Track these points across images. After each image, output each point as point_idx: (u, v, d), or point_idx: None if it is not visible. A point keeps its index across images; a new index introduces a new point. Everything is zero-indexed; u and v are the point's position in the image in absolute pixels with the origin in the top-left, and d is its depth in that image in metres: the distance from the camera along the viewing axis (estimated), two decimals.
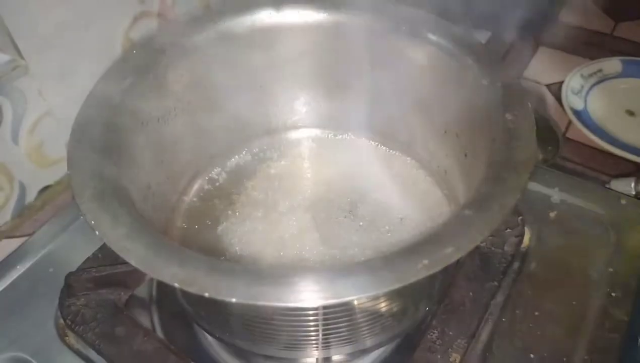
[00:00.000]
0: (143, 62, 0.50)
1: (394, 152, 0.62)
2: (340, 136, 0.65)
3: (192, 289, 0.33)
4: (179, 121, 0.54)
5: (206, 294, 0.32)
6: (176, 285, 0.33)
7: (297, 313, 0.41)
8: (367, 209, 0.57)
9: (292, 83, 0.61)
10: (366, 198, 0.58)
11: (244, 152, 0.63)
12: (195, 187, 0.60)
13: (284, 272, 0.33)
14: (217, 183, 0.61)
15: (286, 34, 0.55)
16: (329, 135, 0.65)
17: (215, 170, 0.62)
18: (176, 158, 0.55)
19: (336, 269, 0.34)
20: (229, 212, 0.58)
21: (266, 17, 0.55)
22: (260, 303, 0.32)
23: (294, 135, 0.65)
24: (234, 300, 0.32)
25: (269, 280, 0.33)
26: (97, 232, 0.36)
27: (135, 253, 0.35)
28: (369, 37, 0.55)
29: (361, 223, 0.56)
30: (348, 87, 0.60)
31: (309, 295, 0.32)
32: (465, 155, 0.51)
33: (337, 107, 0.63)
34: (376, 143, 0.64)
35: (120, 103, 0.47)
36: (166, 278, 0.33)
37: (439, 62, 0.51)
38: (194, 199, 0.59)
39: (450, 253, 0.34)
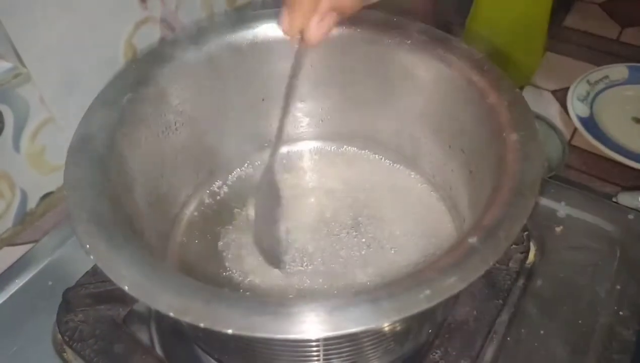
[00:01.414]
0: (143, 75, 0.50)
1: (398, 165, 0.61)
2: (343, 149, 0.64)
3: (188, 319, 0.32)
4: (181, 135, 0.53)
5: (202, 325, 0.32)
6: (171, 314, 0.32)
7: (297, 342, 0.41)
8: (369, 225, 0.56)
9: (295, 96, 0.59)
10: (369, 213, 0.57)
11: (245, 165, 0.63)
12: (196, 200, 0.59)
13: (282, 302, 0.33)
14: (219, 197, 0.60)
15: (289, 46, 0.54)
16: (332, 148, 0.64)
17: (217, 183, 0.61)
18: (177, 172, 0.55)
19: (336, 300, 0.33)
20: (230, 227, 0.57)
21: (269, 29, 0.54)
22: (258, 335, 0.31)
23: (296, 148, 0.65)
24: (230, 331, 0.31)
25: (267, 310, 0.32)
26: (91, 257, 0.36)
27: (130, 279, 0.34)
28: (373, 51, 0.54)
29: (364, 240, 0.55)
30: (351, 100, 0.60)
31: (308, 327, 0.31)
32: (471, 172, 0.50)
33: (341, 120, 0.62)
34: (380, 156, 0.63)
35: (119, 118, 0.46)
36: (161, 307, 0.33)
37: (444, 77, 0.50)
38: (195, 213, 0.58)
39: (453, 284, 0.33)
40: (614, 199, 0.65)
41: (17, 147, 0.59)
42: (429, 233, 0.55)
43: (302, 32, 0.48)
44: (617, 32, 0.95)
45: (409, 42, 0.52)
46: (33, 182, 0.63)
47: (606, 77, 0.83)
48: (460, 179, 0.52)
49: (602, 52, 0.90)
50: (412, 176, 0.60)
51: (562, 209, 0.61)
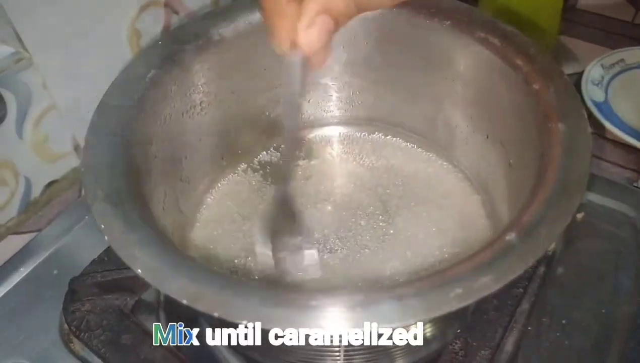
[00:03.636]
0: (168, 53, 0.48)
1: (431, 154, 0.59)
2: (373, 135, 0.62)
3: (200, 307, 0.31)
4: (206, 115, 0.52)
5: (215, 314, 0.30)
6: (184, 301, 0.31)
7: None
8: (398, 216, 0.54)
9: (325, 77, 0.58)
10: (398, 203, 0.55)
11: (271, 149, 0.61)
12: (219, 185, 0.58)
13: (301, 294, 0.31)
14: (242, 182, 0.59)
15: None
16: (362, 134, 0.62)
17: (241, 166, 0.59)
18: (200, 154, 0.53)
19: (360, 295, 0.31)
20: (253, 212, 0.55)
21: None
22: (274, 328, 0.30)
23: (325, 132, 0.63)
24: (244, 322, 0.30)
25: (285, 301, 0.31)
26: (106, 237, 0.34)
27: (142, 262, 0.33)
28: (408, 31, 0.52)
29: (391, 231, 0.53)
30: (383, 84, 0.57)
31: (327, 323, 0.30)
32: (510, 164, 0.47)
33: (372, 104, 0.60)
34: (412, 144, 0.60)
35: (142, 95, 0.45)
36: (173, 293, 0.31)
37: (485, 60, 0.47)
38: (217, 198, 0.57)
39: (487, 284, 0.31)
40: (635, 185, 0.63)
41: (20, 134, 0.58)
42: (462, 226, 0.53)
43: (293, 45, 0.39)
44: (632, 14, 0.93)
45: (449, 22, 0.49)
46: (37, 170, 0.62)
47: (621, 60, 0.81)
48: (498, 171, 0.50)
49: (616, 35, 0.88)
50: (446, 166, 0.58)
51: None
